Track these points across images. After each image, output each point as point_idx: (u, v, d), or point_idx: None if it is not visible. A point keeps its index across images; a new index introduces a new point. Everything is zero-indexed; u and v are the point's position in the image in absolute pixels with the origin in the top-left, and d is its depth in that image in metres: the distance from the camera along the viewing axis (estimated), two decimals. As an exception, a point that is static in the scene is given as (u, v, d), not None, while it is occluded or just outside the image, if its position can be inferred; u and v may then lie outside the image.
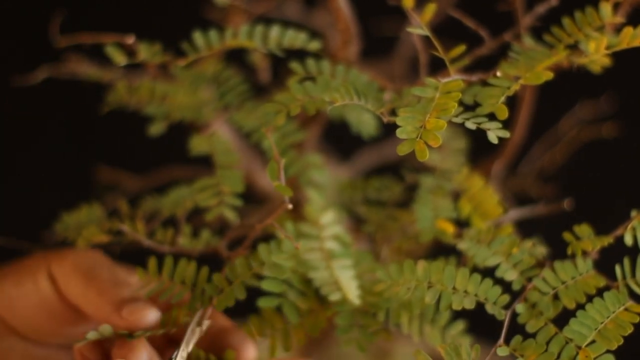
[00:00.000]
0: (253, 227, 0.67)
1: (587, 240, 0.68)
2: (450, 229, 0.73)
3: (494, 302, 0.67)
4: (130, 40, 0.73)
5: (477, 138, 0.81)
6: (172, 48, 0.77)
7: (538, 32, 0.71)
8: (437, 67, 0.70)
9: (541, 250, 0.70)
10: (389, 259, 0.79)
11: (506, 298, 0.67)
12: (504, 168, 0.84)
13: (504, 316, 0.66)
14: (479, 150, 0.83)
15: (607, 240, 0.67)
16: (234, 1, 0.80)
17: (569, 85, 0.94)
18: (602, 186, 1.24)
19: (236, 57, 0.82)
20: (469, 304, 0.66)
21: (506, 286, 0.68)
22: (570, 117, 0.90)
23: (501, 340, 0.65)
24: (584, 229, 0.69)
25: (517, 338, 0.65)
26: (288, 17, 0.90)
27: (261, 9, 0.82)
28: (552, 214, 0.80)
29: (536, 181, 0.90)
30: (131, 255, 0.76)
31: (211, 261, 0.71)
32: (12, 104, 1.27)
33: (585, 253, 0.68)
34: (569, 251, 0.68)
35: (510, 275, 0.68)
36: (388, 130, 0.96)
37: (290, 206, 0.65)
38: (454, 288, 0.67)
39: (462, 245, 0.70)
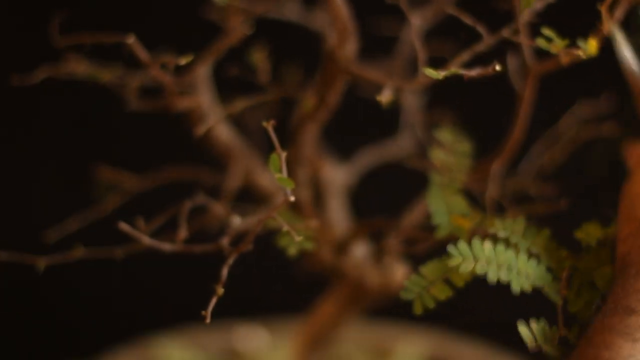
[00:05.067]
0: (255, 223, 0.67)
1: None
2: (466, 225, 0.73)
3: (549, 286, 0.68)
4: (129, 40, 0.73)
5: (476, 138, 0.82)
6: (171, 48, 0.77)
7: (536, 28, 0.71)
8: (436, 65, 0.70)
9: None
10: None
11: (557, 284, 0.68)
12: (503, 167, 0.84)
13: (561, 300, 0.67)
14: (478, 150, 0.83)
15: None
16: (232, 1, 0.80)
17: (569, 84, 0.94)
18: (600, 186, 1.24)
19: (236, 57, 0.83)
20: (527, 287, 0.67)
21: None
22: (570, 116, 0.90)
23: (561, 327, 0.66)
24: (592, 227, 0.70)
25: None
26: (287, 17, 0.90)
27: (260, 9, 0.82)
28: (551, 213, 0.80)
29: (536, 180, 0.90)
30: (132, 254, 0.77)
31: (213, 258, 0.71)
32: (11, 104, 1.27)
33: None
34: (583, 244, 0.70)
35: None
36: (388, 130, 0.96)
37: (292, 199, 0.65)
38: (518, 271, 0.67)
39: (501, 234, 0.71)
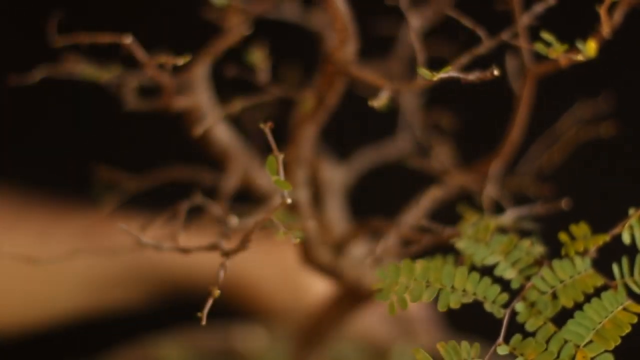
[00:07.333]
0: (252, 224, 0.67)
1: (580, 240, 0.68)
2: None
3: (493, 300, 0.67)
4: (127, 40, 0.73)
5: (475, 138, 0.82)
6: (169, 48, 0.77)
7: (536, 31, 0.71)
8: (435, 66, 0.70)
9: (539, 249, 0.70)
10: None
11: (505, 297, 0.67)
12: (502, 168, 0.84)
13: (503, 315, 0.66)
14: (476, 150, 0.83)
15: (603, 238, 0.67)
16: (231, 1, 0.80)
17: (568, 84, 0.94)
18: (600, 185, 1.24)
19: (235, 57, 0.83)
20: (456, 304, 0.66)
21: (505, 285, 0.68)
22: (569, 117, 0.90)
23: (501, 339, 0.65)
24: (581, 229, 0.68)
25: (517, 337, 0.65)
26: (286, 17, 0.90)
27: (259, 9, 0.82)
28: (551, 213, 0.80)
29: (534, 181, 0.90)
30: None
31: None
32: (10, 104, 1.28)
33: (585, 252, 0.68)
34: (562, 252, 0.68)
35: (509, 273, 0.68)
36: (387, 130, 0.97)
37: (289, 201, 0.65)
38: (452, 287, 0.67)
39: (460, 244, 0.70)
